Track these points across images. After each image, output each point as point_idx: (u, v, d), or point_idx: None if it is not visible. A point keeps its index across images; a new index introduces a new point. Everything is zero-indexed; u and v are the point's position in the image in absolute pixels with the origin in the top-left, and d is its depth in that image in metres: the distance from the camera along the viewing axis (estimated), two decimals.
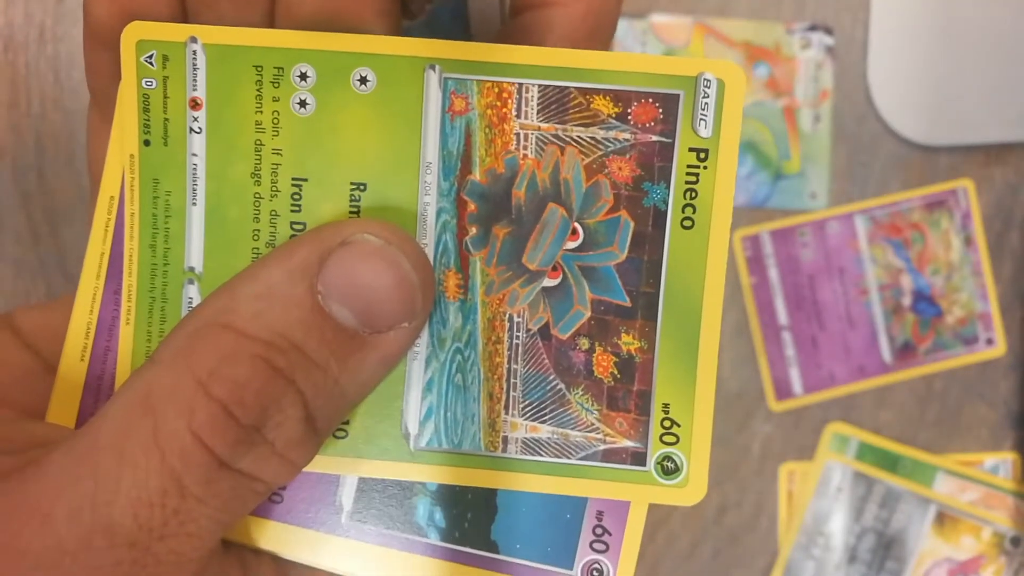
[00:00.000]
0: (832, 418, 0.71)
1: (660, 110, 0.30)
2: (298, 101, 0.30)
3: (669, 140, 0.30)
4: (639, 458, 0.31)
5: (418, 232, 0.30)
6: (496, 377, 0.31)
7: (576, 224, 0.30)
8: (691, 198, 0.30)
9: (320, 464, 0.31)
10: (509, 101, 0.30)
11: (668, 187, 0.30)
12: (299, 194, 0.30)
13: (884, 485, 0.70)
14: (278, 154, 0.30)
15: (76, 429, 0.31)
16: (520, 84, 0.30)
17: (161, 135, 0.31)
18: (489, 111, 0.30)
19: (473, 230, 0.31)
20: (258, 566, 0.31)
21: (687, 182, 0.30)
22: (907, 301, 0.70)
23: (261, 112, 0.30)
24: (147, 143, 0.31)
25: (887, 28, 0.69)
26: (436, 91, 0.30)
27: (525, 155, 0.30)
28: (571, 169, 0.30)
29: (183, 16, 0.31)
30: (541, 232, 0.30)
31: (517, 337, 0.31)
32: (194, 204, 0.31)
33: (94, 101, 0.34)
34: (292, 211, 0.30)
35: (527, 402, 0.31)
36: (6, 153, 0.68)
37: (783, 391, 0.71)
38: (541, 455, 0.31)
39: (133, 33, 0.30)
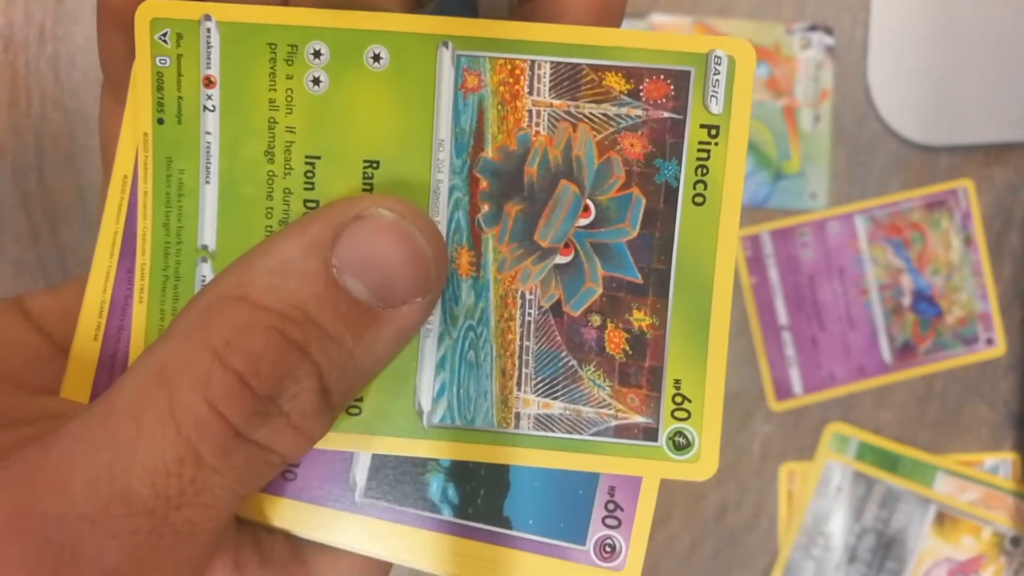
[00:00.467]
0: (832, 418, 0.71)
1: (672, 87, 0.30)
2: (312, 79, 0.30)
3: (680, 117, 0.30)
4: (651, 434, 0.31)
5: (430, 209, 0.31)
6: (508, 354, 0.31)
7: (588, 201, 0.31)
8: (702, 174, 0.30)
9: (333, 441, 0.31)
10: (521, 78, 0.30)
11: (680, 164, 0.30)
12: (312, 172, 0.30)
13: (884, 485, 0.70)
14: (291, 132, 0.30)
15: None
16: (532, 61, 0.30)
17: (175, 113, 0.31)
18: (501, 88, 0.30)
19: (485, 207, 0.31)
20: (272, 543, 0.31)
21: (698, 159, 0.30)
22: (907, 301, 0.71)
23: (275, 90, 0.30)
24: (161, 121, 0.31)
25: (887, 28, 0.69)
26: (449, 68, 0.30)
27: (537, 132, 0.30)
28: (583, 146, 0.30)
29: None
30: (553, 209, 0.30)
31: (529, 314, 0.31)
32: (207, 182, 0.31)
33: (107, 82, 0.34)
34: (305, 189, 0.30)
35: (539, 379, 0.31)
36: (6, 153, 0.68)
37: (783, 391, 0.71)
38: (553, 431, 0.31)
39: (147, 11, 0.30)
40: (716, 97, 0.30)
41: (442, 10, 0.38)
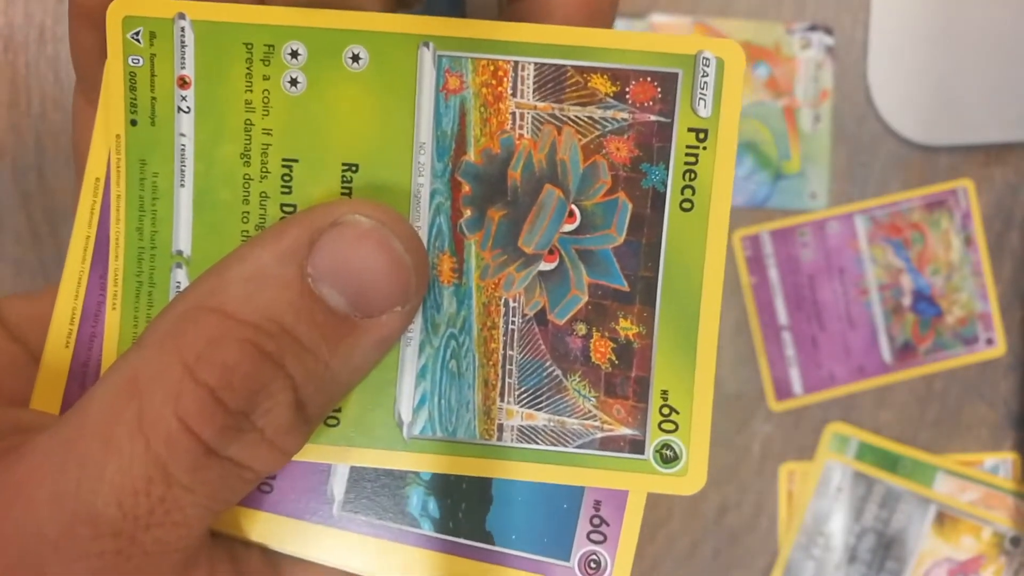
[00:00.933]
0: (832, 418, 0.70)
1: (659, 89, 0.30)
2: (289, 80, 0.30)
3: (668, 120, 0.30)
4: (637, 446, 0.31)
5: (411, 214, 0.30)
6: (491, 363, 0.30)
7: (573, 206, 0.30)
8: (690, 179, 0.30)
9: (311, 453, 0.30)
10: (505, 79, 0.30)
11: (667, 168, 0.30)
12: (290, 175, 0.30)
13: (884, 485, 0.70)
14: (268, 134, 0.30)
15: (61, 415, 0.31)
16: (516, 62, 0.30)
17: (148, 114, 0.30)
18: (484, 90, 0.30)
19: (468, 212, 0.30)
20: (248, 558, 0.31)
21: (686, 163, 0.30)
22: (907, 301, 0.70)
23: (251, 91, 0.30)
24: (134, 123, 0.30)
25: (887, 28, 0.69)
26: (430, 69, 0.30)
27: (521, 135, 0.30)
28: (568, 150, 0.30)
29: None
30: (537, 214, 0.30)
31: (513, 322, 0.30)
32: (182, 186, 0.30)
33: (79, 82, 0.33)
34: (283, 193, 0.30)
35: (523, 389, 0.30)
36: (6, 153, 0.67)
37: (783, 391, 0.70)
38: (537, 443, 0.30)
39: (119, 9, 0.30)
40: (704, 100, 0.29)
41: (430, 10, 0.37)
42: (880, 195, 0.70)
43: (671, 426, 0.30)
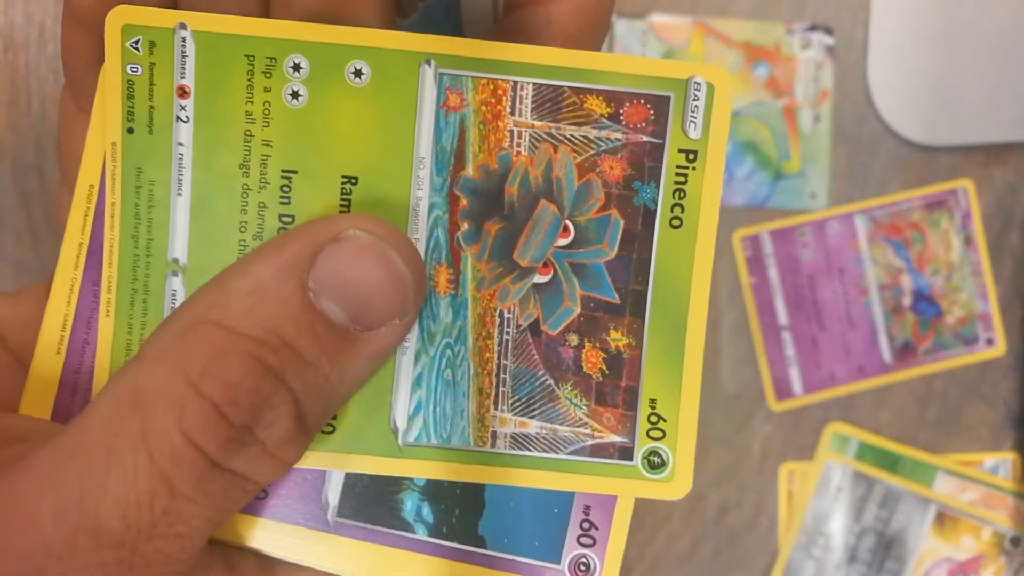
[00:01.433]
0: (832, 418, 0.71)
1: (651, 111, 0.30)
2: (290, 92, 0.30)
3: (659, 141, 0.30)
4: (626, 453, 0.31)
5: (410, 227, 0.30)
6: (486, 372, 0.31)
7: (567, 221, 0.31)
8: (680, 198, 0.31)
9: (307, 460, 0.31)
10: (504, 98, 0.30)
11: (658, 187, 0.31)
12: (288, 186, 0.30)
13: (884, 485, 0.70)
14: (268, 145, 0.30)
15: (58, 423, 0.31)
16: (515, 82, 0.30)
17: (146, 123, 0.30)
18: (484, 108, 0.30)
19: (465, 226, 0.31)
20: (242, 563, 0.31)
21: (676, 182, 0.31)
22: (907, 301, 0.70)
23: (252, 102, 0.30)
24: (131, 131, 0.30)
25: (887, 28, 0.69)
26: (431, 86, 0.30)
27: (518, 152, 0.30)
28: (563, 167, 0.30)
29: (171, 2, 0.31)
30: (533, 229, 0.31)
31: (507, 333, 0.31)
32: (179, 194, 0.30)
33: (69, 85, 0.33)
34: (281, 203, 0.30)
35: (516, 397, 0.31)
36: (6, 153, 0.68)
37: (783, 391, 0.71)
38: (529, 450, 0.31)
39: (119, 17, 0.30)
40: (695, 122, 0.30)
41: (426, 19, 0.37)
42: (880, 195, 0.70)
43: (659, 433, 0.31)
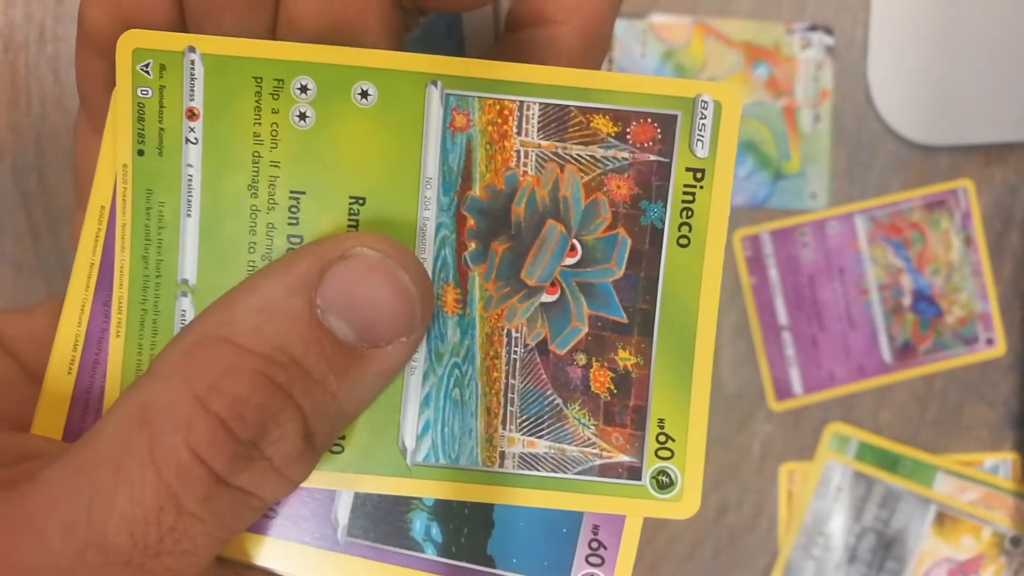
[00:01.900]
0: (832, 418, 0.71)
1: (658, 130, 0.30)
2: (298, 114, 0.30)
3: (666, 160, 0.30)
4: (635, 472, 0.31)
5: (417, 247, 0.30)
6: (494, 392, 0.31)
7: (575, 241, 0.31)
8: (687, 217, 0.31)
9: (316, 479, 0.31)
10: (510, 118, 0.30)
11: (665, 206, 0.31)
12: (297, 207, 0.30)
13: (884, 485, 0.70)
14: (276, 166, 0.30)
15: (70, 443, 0.31)
16: (521, 102, 0.30)
17: (156, 145, 0.30)
18: (490, 128, 0.30)
19: (472, 245, 0.31)
20: None
21: (683, 201, 0.31)
22: (907, 301, 0.70)
23: (260, 124, 0.30)
24: (141, 153, 0.30)
25: (887, 28, 0.69)
26: (437, 107, 0.30)
27: (525, 172, 0.30)
28: (570, 187, 0.30)
29: (181, 25, 0.31)
30: (540, 248, 0.31)
31: (515, 352, 0.31)
32: (189, 216, 0.31)
33: (84, 107, 0.33)
34: (290, 224, 0.30)
35: (524, 417, 0.31)
36: (6, 153, 0.67)
37: (783, 391, 0.71)
38: (538, 470, 0.31)
39: (129, 41, 0.30)
40: (702, 141, 0.30)
41: (428, 36, 0.38)
42: (880, 195, 0.70)
43: (667, 453, 0.31)
